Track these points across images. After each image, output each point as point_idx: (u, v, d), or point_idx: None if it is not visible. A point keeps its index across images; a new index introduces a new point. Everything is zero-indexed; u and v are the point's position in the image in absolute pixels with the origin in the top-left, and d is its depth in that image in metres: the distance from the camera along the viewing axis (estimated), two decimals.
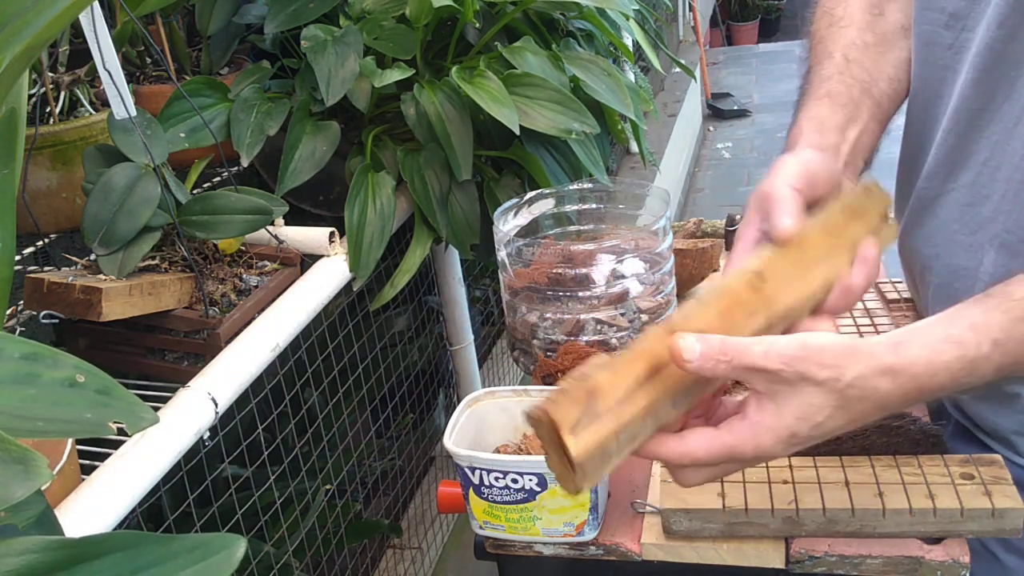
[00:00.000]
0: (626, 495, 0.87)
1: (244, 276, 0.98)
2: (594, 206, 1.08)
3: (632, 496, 0.87)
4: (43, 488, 0.34)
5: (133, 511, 0.74)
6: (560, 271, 0.96)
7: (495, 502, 0.82)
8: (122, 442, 0.75)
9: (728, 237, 1.24)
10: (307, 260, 1.05)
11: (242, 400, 0.92)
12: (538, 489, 0.80)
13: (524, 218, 1.04)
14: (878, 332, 1.00)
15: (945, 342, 0.60)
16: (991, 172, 0.75)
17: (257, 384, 0.94)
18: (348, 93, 1.08)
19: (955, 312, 0.62)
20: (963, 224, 0.78)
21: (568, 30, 1.32)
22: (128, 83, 0.91)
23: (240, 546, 0.35)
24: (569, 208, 1.08)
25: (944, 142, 0.78)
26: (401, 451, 1.61)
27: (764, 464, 0.81)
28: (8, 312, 0.82)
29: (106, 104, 0.94)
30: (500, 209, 1.02)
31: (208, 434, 0.82)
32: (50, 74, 1.01)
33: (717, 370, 0.56)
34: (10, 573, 0.34)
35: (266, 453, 1.09)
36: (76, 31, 1.00)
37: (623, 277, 0.96)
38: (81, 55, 1.00)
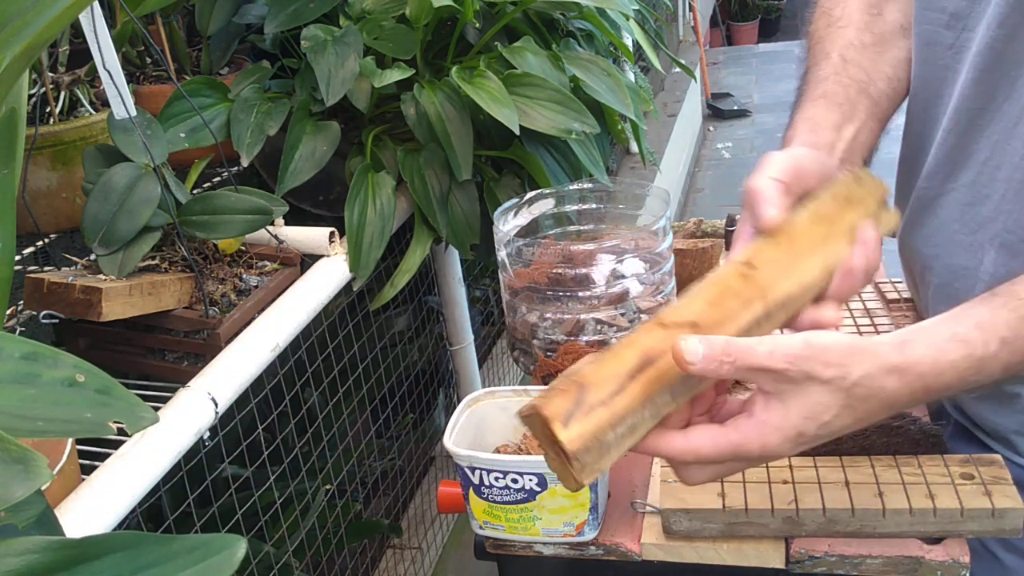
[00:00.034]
0: (626, 495, 0.87)
1: (244, 276, 0.98)
2: (594, 206, 1.08)
3: (632, 496, 0.87)
4: (43, 488, 0.34)
5: (133, 511, 0.74)
6: (560, 271, 0.96)
7: (495, 502, 0.82)
8: (122, 442, 0.75)
9: (728, 237, 1.24)
10: (307, 260, 1.05)
11: (242, 400, 0.92)
12: (538, 489, 0.80)
13: (524, 218, 1.04)
14: (878, 332, 1.00)
15: (951, 341, 0.59)
16: (991, 172, 0.75)
17: (257, 384, 0.94)
18: (348, 93, 1.08)
19: (961, 311, 0.62)
20: (963, 224, 0.78)
21: (568, 30, 1.32)
22: (128, 83, 0.91)
23: (240, 547, 0.35)
24: (569, 208, 1.08)
25: (944, 142, 0.78)
26: (401, 451, 1.61)
27: (764, 464, 0.80)
28: (8, 312, 0.82)
29: (106, 104, 0.94)
30: (500, 209, 1.02)
31: (208, 434, 0.82)
32: (50, 74, 1.01)
33: (721, 371, 0.55)
34: (10, 573, 0.34)
35: (266, 453, 1.09)
36: (76, 31, 1.00)
37: (623, 277, 0.96)
38: (81, 55, 1.00)
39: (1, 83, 0.37)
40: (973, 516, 0.74)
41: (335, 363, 1.22)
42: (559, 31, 1.30)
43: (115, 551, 0.35)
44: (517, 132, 1.07)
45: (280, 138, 1.09)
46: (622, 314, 0.97)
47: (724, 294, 0.59)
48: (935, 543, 0.76)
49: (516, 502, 0.82)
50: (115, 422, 0.36)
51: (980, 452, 0.81)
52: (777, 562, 0.78)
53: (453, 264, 1.57)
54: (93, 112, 1.03)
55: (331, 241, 1.06)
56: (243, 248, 1.02)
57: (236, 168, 1.07)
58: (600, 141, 1.22)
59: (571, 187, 1.09)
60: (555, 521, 0.82)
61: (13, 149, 0.42)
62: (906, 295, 1.06)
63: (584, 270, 0.96)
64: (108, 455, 0.74)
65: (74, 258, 0.92)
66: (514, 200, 1.04)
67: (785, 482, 0.79)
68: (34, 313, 0.86)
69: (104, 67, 0.88)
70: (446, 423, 0.86)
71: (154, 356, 0.93)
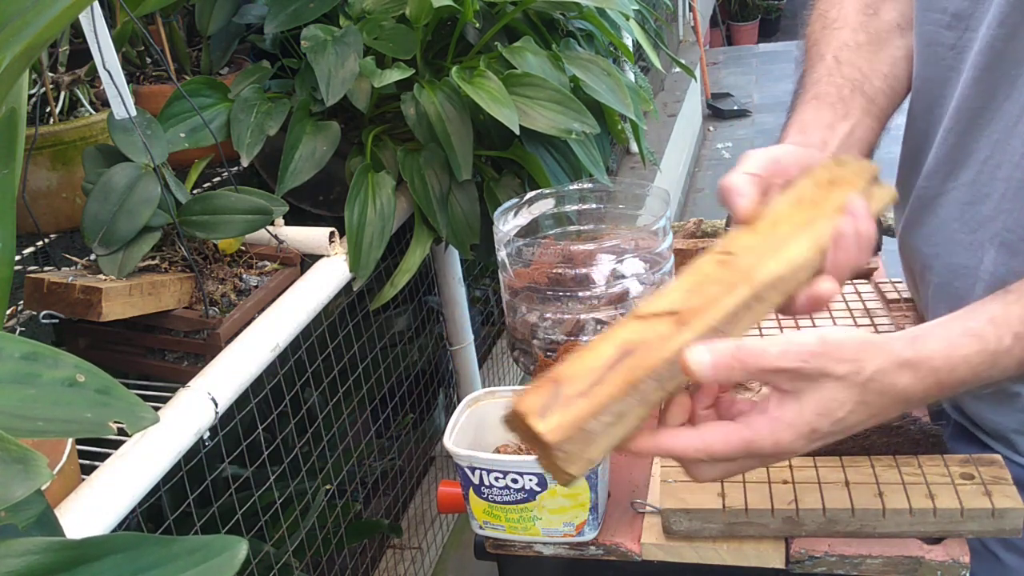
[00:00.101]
0: (626, 495, 0.87)
1: (244, 276, 0.98)
2: (594, 206, 1.08)
3: (632, 496, 0.87)
4: (43, 488, 0.34)
5: (133, 511, 0.74)
6: (560, 271, 0.96)
7: (495, 502, 0.82)
8: (122, 442, 0.75)
9: None
10: (307, 260, 1.05)
11: (242, 400, 0.92)
12: (538, 489, 0.80)
13: (524, 218, 1.04)
14: (878, 332, 1.00)
15: (964, 336, 0.59)
16: (991, 171, 0.75)
17: (257, 384, 0.94)
18: (348, 93, 1.08)
19: (974, 308, 0.62)
20: (963, 223, 0.78)
21: (568, 30, 1.32)
22: (128, 83, 0.91)
23: (241, 548, 0.35)
24: (569, 208, 1.08)
25: (945, 141, 0.78)
26: (401, 451, 1.61)
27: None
28: (8, 312, 0.82)
29: (106, 104, 0.94)
30: (500, 209, 1.02)
31: (208, 434, 0.82)
32: (50, 74, 1.01)
33: (733, 377, 0.55)
34: (11, 574, 0.34)
35: (266, 453, 1.09)
36: (76, 31, 1.00)
37: (623, 277, 0.96)
38: (81, 55, 1.00)
39: (1, 83, 0.37)
40: (973, 516, 0.74)
41: (335, 363, 1.22)
42: (559, 31, 1.30)
43: (116, 552, 0.35)
44: (517, 132, 1.07)
45: (280, 138, 1.09)
46: (622, 314, 0.97)
47: (702, 282, 0.58)
48: (935, 543, 0.76)
49: (516, 502, 0.82)
50: (115, 422, 0.36)
51: (980, 452, 0.81)
52: (777, 562, 0.78)
53: (453, 264, 1.57)
54: (93, 112, 1.03)
55: (331, 241, 1.06)
56: (243, 248, 1.02)
57: (236, 168, 1.07)
58: (600, 141, 1.22)
59: (571, 187, 1.09)
60: (555, 521, 0.82)
61: (13, 149, 0.42)
62: (906, 295, 1.06)
63: (584, 270, 0.96)
64: (108, 455, 0.74)
65: (74, 258, 0.92)
66: (514, 200, 1.04)
67: (785, 482, 0.79)
68: (34, 313, 0.86)
69: (104, 67, 0.88)
70: (446, 423, 0.86)
71: (154, 356, 0.93)
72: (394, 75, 1.08)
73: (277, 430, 1.14)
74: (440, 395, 1.79)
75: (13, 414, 0.34)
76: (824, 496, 0.76)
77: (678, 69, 2.10)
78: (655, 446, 0.58)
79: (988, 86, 0.73)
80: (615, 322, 0.96)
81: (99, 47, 0.86)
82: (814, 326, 1.01)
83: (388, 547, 1.70)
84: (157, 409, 0.79)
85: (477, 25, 1.18)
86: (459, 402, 0.90)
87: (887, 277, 1.12)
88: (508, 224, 1.01)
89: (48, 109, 1.01)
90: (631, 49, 1.64)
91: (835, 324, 1.03)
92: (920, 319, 0.98)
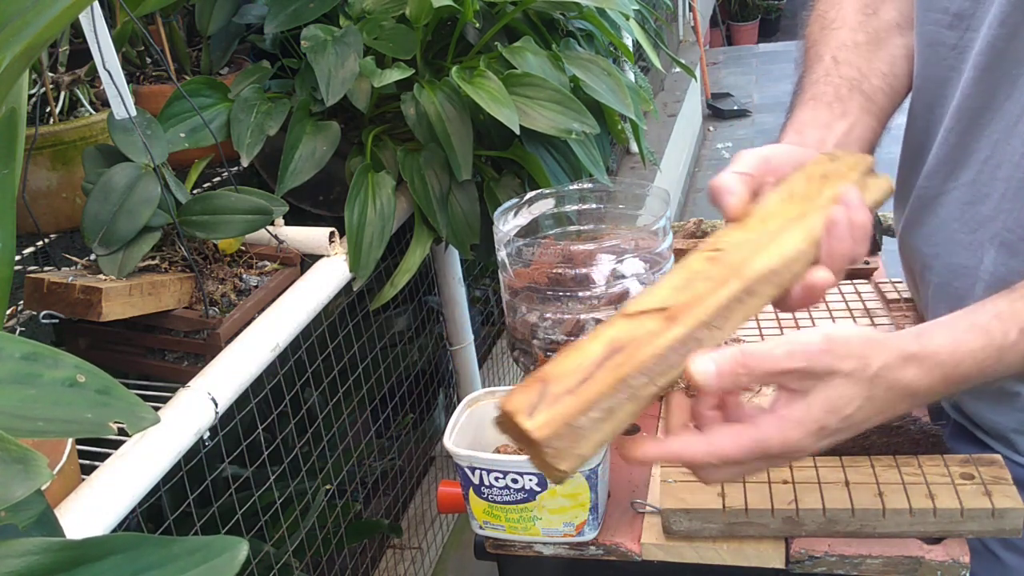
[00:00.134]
0: (626, 495, 0.87)
1: (244, 276, 0.98)
2: (594, 206, 1.08)
3: (632, 496, 0.87)
4: (43, 488, 0.34)
5: (133, 511, 0.74)
6: (560, 271, 0.96)
7: (495, 502, 0.82)
8: (122, 442, 0.75)
9: None
10: (307, 260, 1.05)
11: (242, 400, 0.92)
12: (538, 489, 0.80)
13: (524, 218, 1.04)
14: None
15: (970, 331, 0.59)
16: (991, 171, 0.75)
17: (257, 384, 0.94)
18: (348, 93, 1.08)
19: (979, 305, 0.62)
20: (963, 223, 0.78)
21: (568, 30, 1.32)
22: (128, 83, 0.91)
23: (242, 549, 0.35)
24: (569, 208, 1.08)
25: (945, 141, 0.78)
26: (401, 451, 1.61)
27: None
28: (8, 312, 0.82)
29: (106, 104, 0.94)
30: (500, 209, 1.02)
31: (208, 434, 0.82)
32: (50, 74, 1.01)
33: (740, 383, 0.55)
34: (11, 574, 0.34)
35: (266, 453, 1.09)
36: (76, 31, 1.00)
37: (623, 277, 0.96)
38: (81, 55, 0.99)
39: (1, 83, 0.37)
40: (973, 516, 0.74)
41: (335, 363, 1.22)
42: (559, 31, 1.30)
43: (116, 552, 0.35)
44: (517, 132, 1.07)
45: (280, 138, 1.09)
46: None
47: (691, 278, 0.58)
48: (935, 543, 0.76)
49: (516, 502, 0.82)
50: (116, 422, 0.36)
51: (980, 452, 0.81)
52: (777, 562, 0.78)
53: (453, 264, 1.57)
54: (93, 112, 1.03)
55: (331, 241, 1.06)
56: (243, 248, 1.02)
57: (236, 168, 1.07)
58: (600, 141, 1.22)
59: (571, 187, 1.09)
60: (555, 521, 0.82)
61: (13, 149, 0.42)
62: (906, 295, 1.06)
63: (584, 270, 0.96)
64: (108, 455, 0.74)
65: (74, 258, 0.92)
66: (514, 200, 1.04)
67: (785, 482, 0.79)
68: (34, 313, 0.86)
69: (104, 67, 0.88)
70: (446, 423, 0.86)
71: (154, 356, 0.93)
72: (394, 75, 1.08)
73: (277, 430, 1.14)
74: (440, 395, 1.79)
75: (13, 414, 0.34)
76: (824, 496, 0.76)
77: (678, 69, 2.10)
78: (664, 452, 0.58)
79: (989, 86, 0.73)
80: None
81: (99, 47, 0.86)
82: (814, 325, 1.01)
83: (388, 547, 1.71)
84: (157, 409, 0.79)
85: (477, 25, 1.18)
86: (459, 402, 0.90)
87: (887, 277, 1.12)
88: (508, 224, 1.01)
89: (48, 109, 1.01)
90: (631, 49, 1.64)
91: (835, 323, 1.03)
92: (920, 319, 0.98)
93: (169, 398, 0.81)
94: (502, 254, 0.99)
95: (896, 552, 0.76)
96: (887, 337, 0.58)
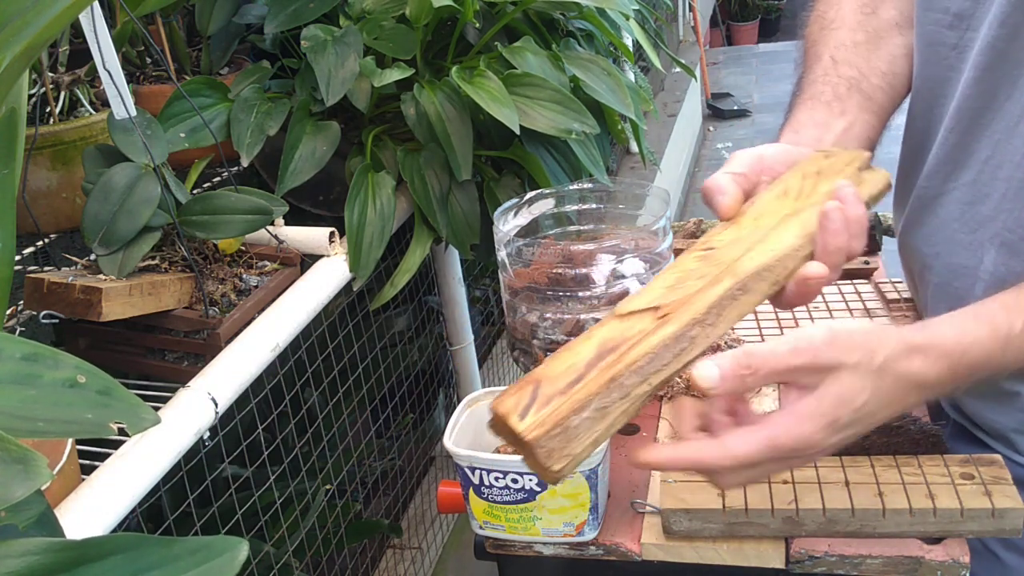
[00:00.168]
0: (626, 495, 0.87)
1: (244, 276, 0.98)
2: (594, 206, 1.08)
3: (632, 496, 0.87)
4: (43, 488, 0.34)
5: (133, 511, 0.74)
6: (560, 271, 0.96)
7: (495, 502, 0.82)
8: (122, 442, 0.75)
9: None
10: (307, 260, 1.05)
11: (242, 400, 0.92)
12: (538, 489, 0.80)
13: (524, 218, 1.04)
14: None
15: (975, 320, 0.60)
16: (992, 171, 0.75)
17: (257, 384, 0.94)
18: (348, 93, 1.08)
19: (986, 299, 0.62)
20: (963, 223, 0.78)
21: (568, 30, 1.32)
22: (128, 83, 0.91)
23: (243, 549, 0.35)
24: (569, 208, 1.08)
25: (945, 141, 0.78)
26: (401, 451, 1.61)
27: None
28: (8, 312, 0.82)
29: (106, 104, 0.94)
30: (500, 209, 1.02)
31: (208, 434, 0.82)
32: (50, 74, 1.01)
33: (747, 384, 0.54)
34: (11, 574, 0.34)
35: (266, 453, 1.09)
36: (76, 31, 1.00)
37: (623, 277, 0.96)
38: (81, 55, 0.99)
39: (1, 83, 0.37)
40: (973, 516, 0.74)
41: (335, 363, 1.22)
42: (559, 31, 1.30)
43: (116, 553, 0.35)
44: (517, 132, 1.07)
45: (280, 138, 1.09)
46: None
47: (683, 277, 0.58)
48: (935, 543, 0.76)
49: (516, 502, 0.82)
50: (116, 423, 0.36)
51: (980, 452, 0.81)
52: (777, 562, 0.78)
53: (453, 264, 1.57)
54: (93, 112, 1.03)
55: (331, 241, 1.06)
56: (243, 248, 1.02)
57: (236, 168, 1.07)
58: (600, 141, 1.22)
59: (571, 187, 1.09)
60: (555, 521, 0.82)
61: (13, 149, 0.42)
62: (906, 295, 1.06)
63: (584, 270, 0.96)
64: (108, 455, 0.74)
65: (74, 258, 0.92)
66: (514, 200, 1.04)
67: (785, 482, 0.79)
68: (34, 313, 0.86)
69: (104, 67, 0.88)
70: (446, 423, 0.86)
71: (154, 356, 0.93)
72: (394, 75, 1.08)
73: (277, 430, 1.14)
74: (440, 395, 1.79)
75: (13, 415, 0.34)
76: (824, 496, 0.76)
77: (678, 69, 2.10)
78: (676, 457, 0.57)
79: (989, 86, 0.73)
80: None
81: (99, 47, 0.86)
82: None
83: (388, 547, 1.71)
84: (157, 409, 0.79)
85: (477, 25, 1.18)
86: (459, 402, 0.90)
87: (887, 277, 1.13)
88: (508, 224, 1.01)
89: (48, 109, 1.01)
90: (631, 49, 1.64)
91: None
92: (919, 319, 0.98)
93: (169, 398, 0.81)
94: (502, 254, 0.99)
95: (896, 552, 0.76)
96: (892, 329, 0.58)
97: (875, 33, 0.84)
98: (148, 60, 1.19)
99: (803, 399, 0.56)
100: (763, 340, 1.04)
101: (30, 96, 0.98)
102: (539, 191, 1.07)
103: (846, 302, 1.08)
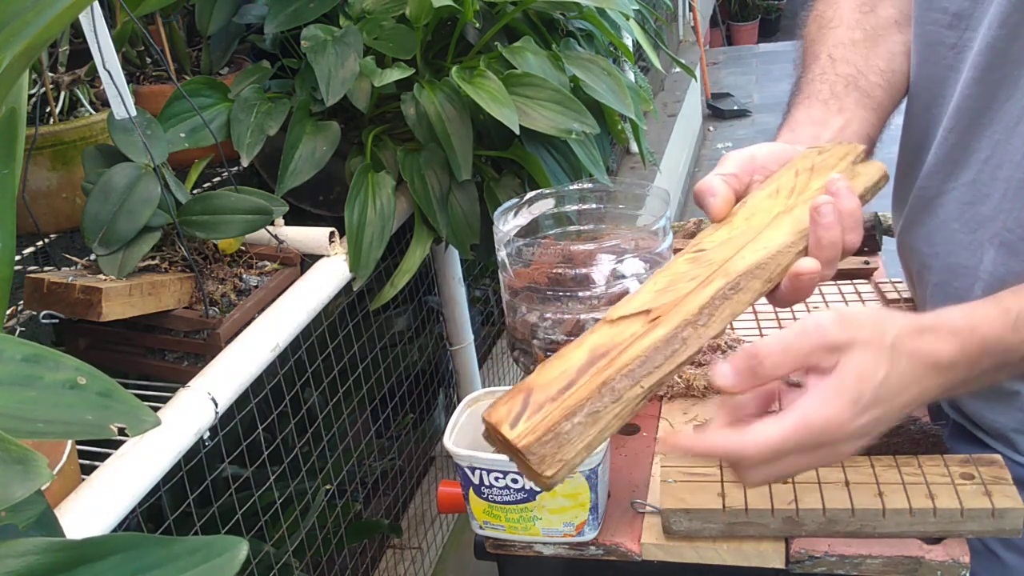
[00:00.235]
0: (626, 495, 0.87)
1: (244, 276, 0.98)
2: (594, 206, 1.08)
3: (632, 496, 0.87)
4: (43, 488, 0.34)
5: (133, 511, 0.74)
6: (560, 271, 0.96)
7: (495, 502, 0.82)
8: (122, 442, 0.75)
9: None
10: (307, 260, 1.05)
11: (242, 400, 0.92)
12: (538, 489, 0.80)
13: (524, 218, 1.04)
14: None
15: (983, 304, 0.61)
16: (992, 171, 0.75)
17: (257, 384, 0.94)
18: (348, 93, 1.08)
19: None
20: (963, 223, 0.78)
21: (568, 30, 1.32)
22: (128, 83, 0.91)
23: (242, 548, 0.35)
24: (569, 208, 1.08)
25: (945, 141, 0.78)
26: (401, 451, 1.62)
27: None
28: (8, 312, 0.82)
29: (106, 104, 0.94)
30: (500, 209, 1.02)
31: (208, 434, 0.82)
32: (50, 74, 1.01)
33: (763, 375, 0.55)
34: (11, 574, 0.34)
35: (266, 453, 1.09)
36: (76, 31, 1.00)
37: (623, 277, 0.96)
38: (81, 55, 0.99)
39: (1, 83, 0.37)
40: (973, 516, 0.74)
41: (335, 363, 1.22)
42: (559, 31, 1.30)
43: (116, 552, 0.35)
44: (517, 132, 1.07)
45: (280, 138, 1.09)
46: None
47: (674, 280, 0.58)
48: (935, 543, 0.76)
49: (516, 502, 0.82)
50: (116, 425, 0.36)
51: (980, 452, 0.81)
52: (777, 562, 0.78)
53: (453, 264, 1.57)
54: (93, 112, 1.03)
55: (331, 241, 1.06)
56: (243, 248, 1.02)
57: (236, 168, 1.07)
58: (600, 141, 1.22)
59: (571, 187, 1.09)
60: (555, 521, 0.82)
61: (13, 149, 0.42)
62: (906, 295, 1.06)
63: (584, 270, 0.96)
64: (108, 455, 0.74)
65: (74, 258, 0.92)
66: (514, 200, 1.04)
67: (785, 482, 0.79)
68: (34, 313, 0.86)
69: (104, 67, 0.88)
70: (446, 423, 0.86)
71: (154, 356, 0.93)
72: (394, 75, 1.08)
73: (277, 430, 1.14)
74: (440, 395, 1.79)
75: (13, 416, 0.34)
76: (824, 496, 0.76)
77: (678, 69, 2.10)
78: (705, 443, 0.57)
79: (989, 86, 0.73)
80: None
81: (99, 47, 0.86)
82: None
83: (388, 547, 1.71)
84: (157, 409, 0.79)
85: (477, 25, 1.18)
86: (459, 402, 0.90)
87: (887, 277, 1.12)
88: (508, 224, 1.01)
89: (48, 109, 1.01)
90: (631, 49, 1.64)
91: None
92: None
93: (169, 398, 0.81)
94: (502, 254, 0.99)
95: (896, 552, 0.76)
96: (899, 312, 0.59)
97: (873, 31, 0.84)
98: (148, 60, 1.19)
99: (824, 380, 0.56)
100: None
101: (30, 96, 0.98)
102: (539, 191, 1.07)
103: (846, 302, 1.08)
